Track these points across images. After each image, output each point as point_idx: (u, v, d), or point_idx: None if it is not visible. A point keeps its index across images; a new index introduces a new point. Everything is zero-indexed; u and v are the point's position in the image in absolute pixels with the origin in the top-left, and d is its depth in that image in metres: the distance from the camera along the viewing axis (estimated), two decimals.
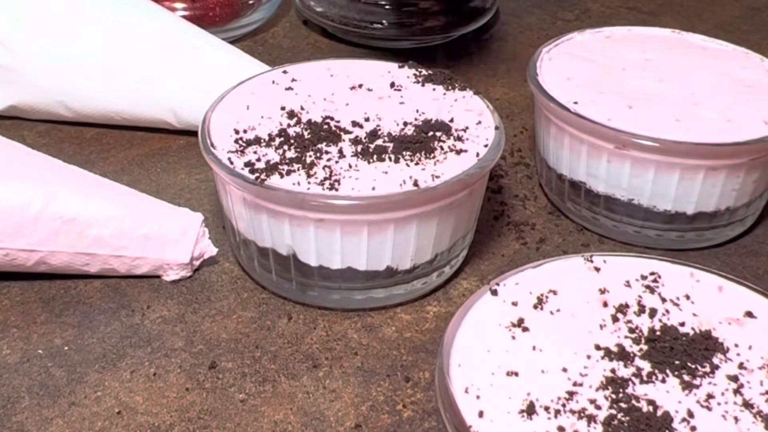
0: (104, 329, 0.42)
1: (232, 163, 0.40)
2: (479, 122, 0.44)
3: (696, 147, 0.43)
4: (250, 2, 0.70)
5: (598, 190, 0.47)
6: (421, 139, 0.42)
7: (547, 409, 0.30)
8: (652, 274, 0.36)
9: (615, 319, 0.34)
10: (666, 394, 0.30)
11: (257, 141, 0.42)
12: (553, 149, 0.49)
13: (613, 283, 0.36)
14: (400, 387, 0.39)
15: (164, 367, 0.40)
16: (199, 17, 0.65)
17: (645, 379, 0.31)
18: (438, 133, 0.43)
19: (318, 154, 0.41)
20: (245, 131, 0.43)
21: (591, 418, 0.29)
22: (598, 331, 0.33)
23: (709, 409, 0.30)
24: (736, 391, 0.30)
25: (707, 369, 0.31)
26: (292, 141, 0.42)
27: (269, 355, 0.40)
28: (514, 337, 0.33)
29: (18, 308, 0.43)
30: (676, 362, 0.32)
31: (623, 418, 0.29)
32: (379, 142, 0.42)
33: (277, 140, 0.42)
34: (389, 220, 0.39)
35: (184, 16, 0.64)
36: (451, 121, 0.44)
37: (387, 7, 0.68)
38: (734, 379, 0.31)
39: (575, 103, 0.46)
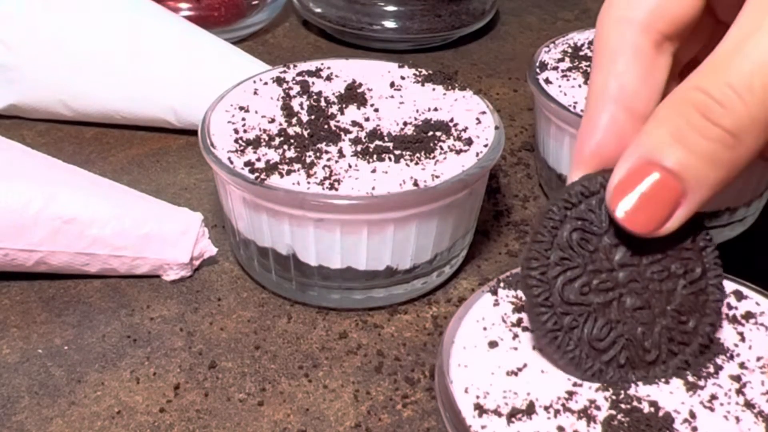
0: (104, 329, 0.42)
1: (232, 162, 0.40)
2: (479, 122, 0.44)
3: None
4: (254, 2, 0.70)
5: None
6: (421, 139, 0.42)
7: (547, 408, 0.30)
8: None
9: None
10: (669, 395, 0.30)
11: (257, 141, 0.42)
12: (553, 149, 0.49)
13: None
14: (400, 387, 0.39)
15: (164, 367, 0.40)
16: (203, 18, 0.65)
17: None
18: (438, 133, 0.43)
19: (318, 154, 0.41)
20: (245, 131, 0.43)
21: (591, 418, 0.29)
22: None
23: (711, 409, 0.30)
24: (738, 392, 0.30)
25: (709, 370, 0.31)
26: (291, 141, 0.42)
27: (269, 355, 0.40)
28: (514, 337, 0.33)
29: (18, 308, 0.43)
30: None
31: (623, 419, 0.29)
32: (379, 141, 0.42)
33: (277, 140, 0.42)
34: (389, 219, 0.39)
35: (188, 16, 0.64)
36: (451, 120, 0.44)
37: (386, 8, 0.69)
38: (737, 379, 0.31)
39: (575, 103, 0.46)
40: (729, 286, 0.35)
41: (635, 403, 0.30)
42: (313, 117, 0.44)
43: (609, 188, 0.29)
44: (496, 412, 0.29)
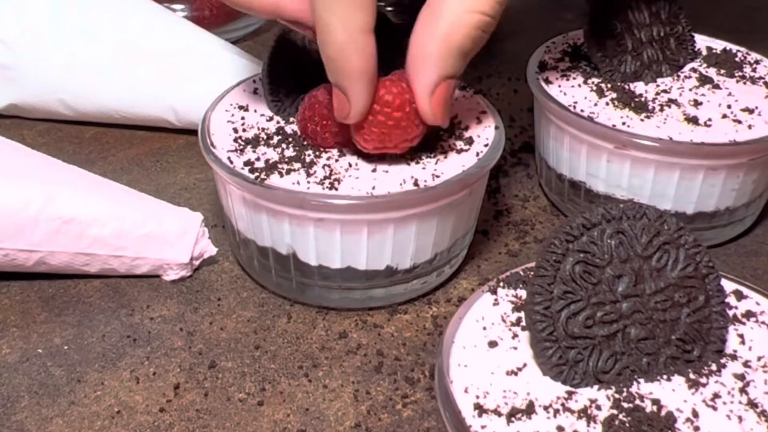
0: (104, 329, 0.42)
1: (231, 162, 0.40)
2: (480, 122, 0.44)
3: (695, 147, 0.43)
4: None
5: (598, 190, 0.47)
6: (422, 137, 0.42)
7: (546, 408, 0.30)
8: None
9: None
10: (672, 393, 0.30)
11: (256, 139, 0.42)
12: (553, 149, 0.49)
13: None
14: (400, 387, 0.39)
15: (164, 367, 0.40)
16: (191, 19, 0.65)
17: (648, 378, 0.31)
18: (439, 132, 0.43)
19: (317, 152, 0.41)
20: (244, 130, 0.43)
21: (591, 418, 0.29)
22: None
23: (714, 408, 0.30)
24: (741, 391, 0.30)
25: (711, 368, 0.31)
26: (289, 138, 0.42)
27: (269, 355, 0.40)
28: (513, 337, 0.33)
29: (18, 308, 0.43)
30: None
31: (625, 418, 0.29)
32: None
33: (275, 138, 0.42)
34: (389, 219, 0.39)
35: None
36: (453, 119, 0.44)
37: (387, 9, 0.69)
38: (739, 378, 0.31)
39: (575, 103, 0.46)
40: (729, 286, 0.35)
41: (638, 402, 0.30)
42: None
43: (431, 111, 0.38)
44: (496, 412, 0.29)
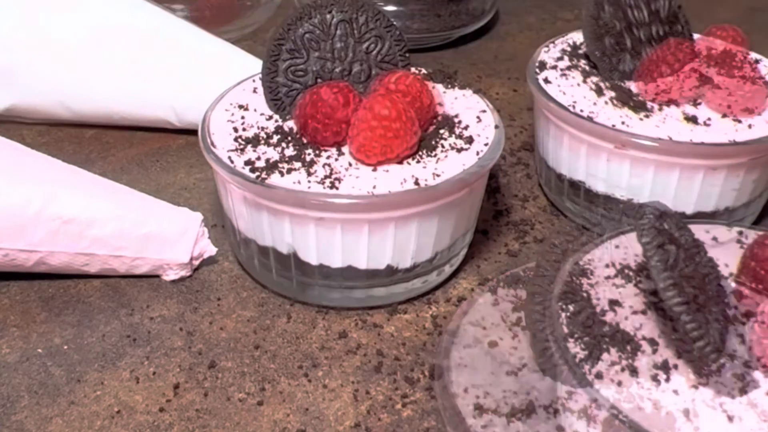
0: (104, 328, 0.42)
1: (232, 162, 0.40)
2: (479, 121, 0.44)
3: (695, 147, 0.43)
4: (248, 3, 0.70)
5: (598, 189, 0.47)
6: (423, 137, 0.42)
7: (546, 408, 0.30)
8: None
9: None
10: (672, 393, 0.30)
11: (255, 138, 0.42)
12: (553, 149, 0.49)
13: None
14: (400, 387, 0.39)
15: (163, 367, 0.40)
16: (190, 20, 0.65)
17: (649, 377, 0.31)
18: (440, 131, 0.43)
19: (317, 151, 0.41)
20: (244, 129, 0.43)
21: (591, 418, 0.29)
22: None
23: (714, 408, 0.30)
24: (742, 391, 0.30)
25: (711, 368, 0.31)
26: (288, 137, 0.42)
27: (268, 355, 0.40)
28: (513, 337, 0.33)
29: (17, 307, 0.43)
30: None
31: (624, 418, 0.29)
32: None
33: (275, 137, 0.42)
34: (390, 218, 0.39)
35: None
36: (454, 117, 0.44)
37: (386, 8, 0.69)
38: (740, 378, 0.31)
39: (574, 102, 0.46)
40: (729, 285, 0.35)
41: (638, 402, 0.30)
42: None
43: None
44: (496, 412, 0.29)
